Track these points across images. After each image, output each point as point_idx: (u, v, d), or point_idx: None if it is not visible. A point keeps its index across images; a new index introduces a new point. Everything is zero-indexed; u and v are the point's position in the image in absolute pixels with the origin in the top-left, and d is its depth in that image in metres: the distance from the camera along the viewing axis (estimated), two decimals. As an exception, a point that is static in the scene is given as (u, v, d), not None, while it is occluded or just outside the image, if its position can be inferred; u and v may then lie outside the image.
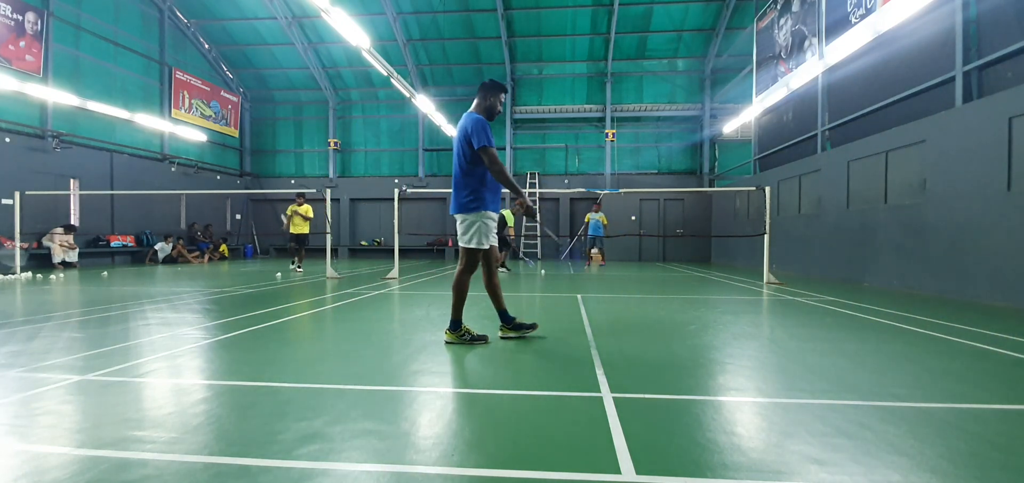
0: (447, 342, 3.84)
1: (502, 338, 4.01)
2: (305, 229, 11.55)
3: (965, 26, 7.32)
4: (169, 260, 14.98)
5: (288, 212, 11.66)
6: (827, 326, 4.69)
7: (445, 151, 20.38)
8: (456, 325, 3.83)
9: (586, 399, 2.56)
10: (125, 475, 1.71)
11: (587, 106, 19.65)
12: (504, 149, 19.76)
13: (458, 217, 3.84)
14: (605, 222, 14.47)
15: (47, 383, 2.77)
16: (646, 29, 17.82)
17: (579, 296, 6.98)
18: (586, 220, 14.59)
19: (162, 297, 6.74)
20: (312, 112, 21.09)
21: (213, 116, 18.98)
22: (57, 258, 12.19)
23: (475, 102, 3.91)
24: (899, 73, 8.68)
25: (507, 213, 11.65)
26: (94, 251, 13.99)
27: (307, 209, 11.62)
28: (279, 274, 10.66)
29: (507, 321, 4.04)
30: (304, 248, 11.80)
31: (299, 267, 11.55)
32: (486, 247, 3.84)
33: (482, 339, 3.88)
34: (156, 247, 15.01)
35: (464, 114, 3.86)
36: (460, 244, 3.86)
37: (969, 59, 7.26)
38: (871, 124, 9.37)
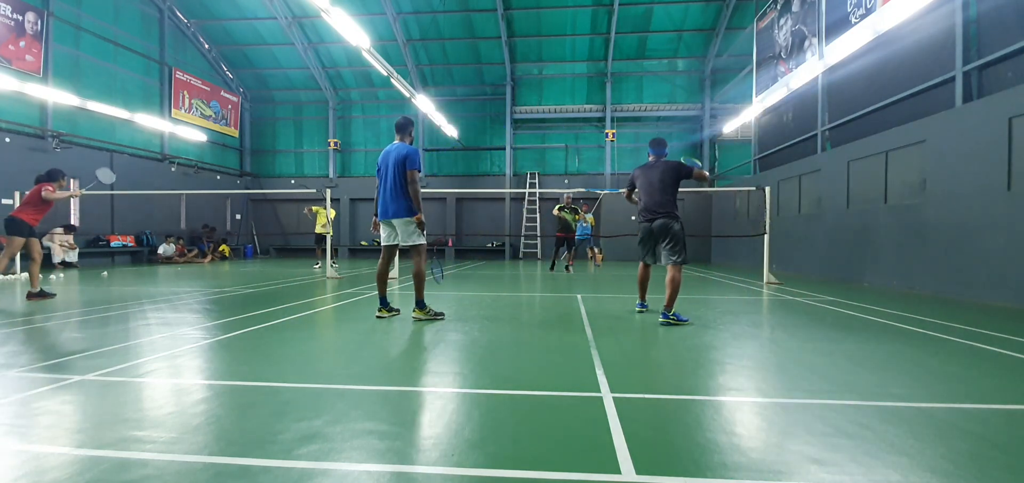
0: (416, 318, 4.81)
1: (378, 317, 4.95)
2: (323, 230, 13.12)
3: (965, 26, 7.32)
4: (168, 260, 14.98)
5: (313, 209, 13.40)
6: (827, 326, 4.69)
7: (445, 151, 20.41)
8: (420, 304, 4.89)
9: (586, 399, 2.55)
10: (125, 475, 1.71)
11: (587, 106, 19.64)
12: (504, 149, 19.78)
13: (406, 221, 4.82)
14: (589, 222, 14.47)
15: (47, 383, 2.77)
16: (646, 29, 17.82)
17: (579, 296, 6.97)
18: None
19: (162, 297, 6.74)
20: (312, 112, 21.08)
21: (213, 116, 18.97)
22: (57, 258, 12.18)
23: (403, 138, 4.93)
24: (899, 73, 8.67)
25: (566, 215, 11.70)
26: (94, 251, 13.99)
27: (330, 211, 12.49)
28: (316, 266, 12.83)
29: (384, 304, 5.03)
30: (321, 247, 13.02)
31: (318, 265, 12.80)
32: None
33: (440, 315, 4.95)
34: (160, 250, 15.03)
35: (398, 144, 4.85)
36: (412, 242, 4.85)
37: (969, 59, 7.25)
38: (871, 124, 9.37)
